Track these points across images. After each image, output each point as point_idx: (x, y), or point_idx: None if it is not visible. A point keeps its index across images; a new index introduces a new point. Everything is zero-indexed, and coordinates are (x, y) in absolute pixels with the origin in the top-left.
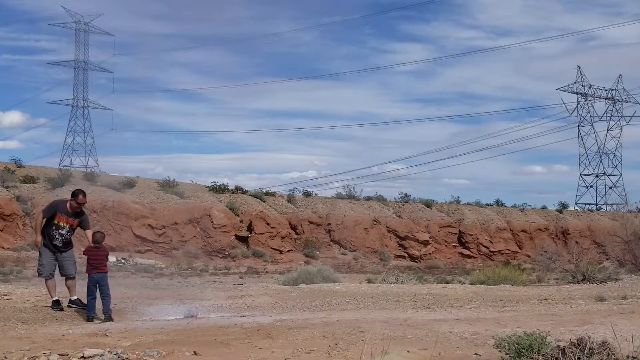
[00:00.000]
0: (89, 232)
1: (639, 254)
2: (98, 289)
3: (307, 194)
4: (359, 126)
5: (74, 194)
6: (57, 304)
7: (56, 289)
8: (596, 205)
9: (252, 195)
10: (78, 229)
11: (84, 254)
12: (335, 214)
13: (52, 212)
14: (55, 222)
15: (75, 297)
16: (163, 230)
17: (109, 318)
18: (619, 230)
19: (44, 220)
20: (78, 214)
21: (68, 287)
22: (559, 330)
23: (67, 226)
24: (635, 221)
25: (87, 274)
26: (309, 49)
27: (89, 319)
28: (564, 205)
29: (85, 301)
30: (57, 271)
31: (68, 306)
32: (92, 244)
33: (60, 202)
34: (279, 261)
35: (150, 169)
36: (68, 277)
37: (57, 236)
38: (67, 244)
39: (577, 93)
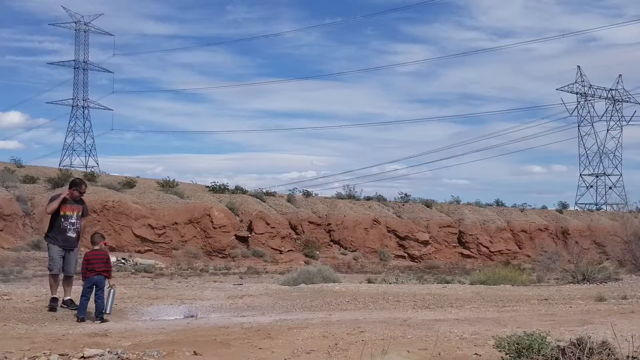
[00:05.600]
0: (86, 219)
1: (639, 254)
2: (94, 292)
3: (307, 194)
4: (359, 126)
5: (76, 184)
6: (54, 302)
7: (57, 288)
8: (596, 205)
9: (252, 195)
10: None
11: (84, 257)
12: (335, 214)
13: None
14: (62, 213)
15: (67, 298)
16: (163, 230)
17: (101, 320)
18: (619, 230)
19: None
20: (80, 201)
21: (64, 287)
22: (559, 330)
23: (74, 214)
24: (635, 221)
25: (84, 277)
26: (310, 50)
27: (79, 319)
28: (564, 205)
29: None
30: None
31: (61, 306)
32: (92, 246)
33: (58, 195)
34: (279, 261)
35: (150, 169)
36: (67, 275)
37: (68, 226)
38: (78, 237)
39: (577, 93)
